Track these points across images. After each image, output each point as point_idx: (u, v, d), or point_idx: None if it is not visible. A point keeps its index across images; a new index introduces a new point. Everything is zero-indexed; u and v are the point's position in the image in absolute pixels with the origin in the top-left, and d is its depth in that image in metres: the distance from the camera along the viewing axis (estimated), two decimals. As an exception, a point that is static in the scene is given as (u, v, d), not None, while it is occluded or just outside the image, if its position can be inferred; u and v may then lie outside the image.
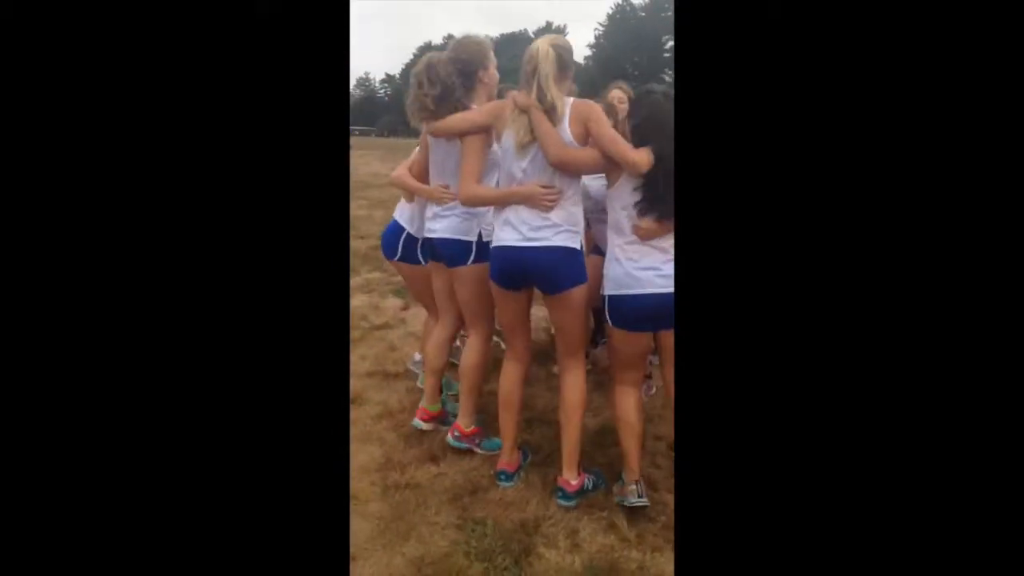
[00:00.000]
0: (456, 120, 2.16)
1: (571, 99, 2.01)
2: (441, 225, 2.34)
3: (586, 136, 1.98)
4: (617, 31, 49.44)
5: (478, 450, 2.45)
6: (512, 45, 57.32)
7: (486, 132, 2.15)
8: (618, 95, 3.22)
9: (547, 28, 60.32)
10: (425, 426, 2.56)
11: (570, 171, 2.03)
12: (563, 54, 2.00)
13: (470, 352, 2.42)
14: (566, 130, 1.98)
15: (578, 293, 2.08)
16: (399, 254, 2.71)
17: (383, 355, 3.45)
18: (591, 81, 34.73)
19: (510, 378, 2.28)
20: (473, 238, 2.30)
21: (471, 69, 2.22)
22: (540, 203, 2.02)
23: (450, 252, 2.33)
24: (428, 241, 2.42)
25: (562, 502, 2.13)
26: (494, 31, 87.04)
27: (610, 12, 50.79)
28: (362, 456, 2.41)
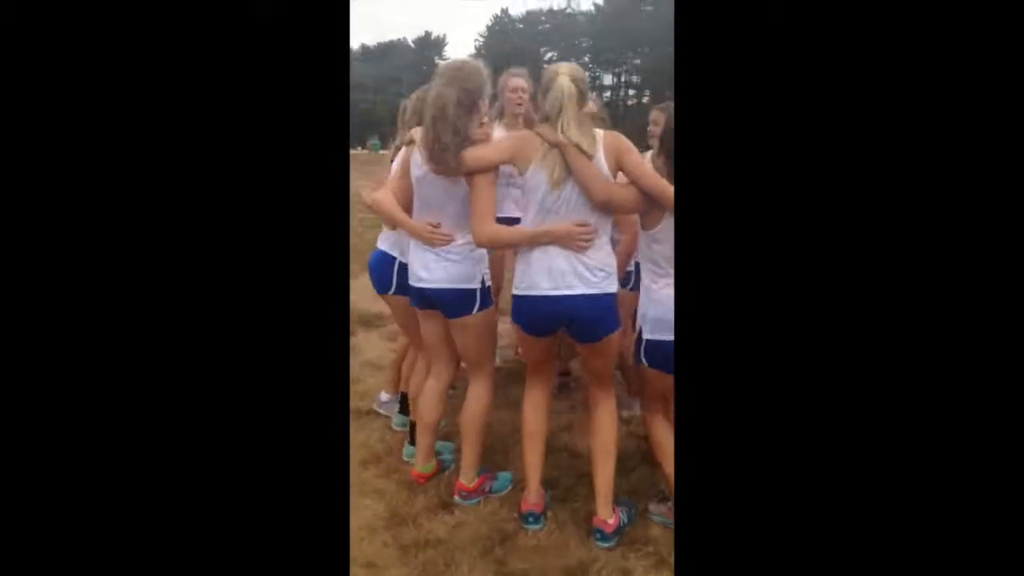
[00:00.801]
0: (470, 159, 1.88)
1: (599, 131, 1.86)
2: (436, 273, 2.05)
3: (617, 170, 1.85)
4: (496, 42, 50.19)
5: (492, 495, 2.22)
6: (393, 54, 56.59)
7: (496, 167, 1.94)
8: (658, 118, 2.86)
9: (426, 37, 60.06)
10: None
11: (614, 211, 1.90)
12: (582, 87, 1.85)
13: (474, 402, 2.18)
14: (603, 165, 1.82)
15: (615, 339, 1.95)
16: (393, 287, 2.35)
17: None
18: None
19: (536, 410, 2.09)
20: (477, 285, 2.06)
21: (473, 99, 1.94)
22: (576, 244, 1.84)
23: (450, 303, 2.06)
24: (416, 290, 2.12)
25: (602, 544, 1.95)
26: (369, 40, 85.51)
27: (489, 24, 51.51)
28: (364, 512, 2.12)
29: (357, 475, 2.35)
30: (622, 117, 45.48)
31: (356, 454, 2.50)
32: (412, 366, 2.59)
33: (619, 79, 50.37)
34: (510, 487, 2.26)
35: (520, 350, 2.14)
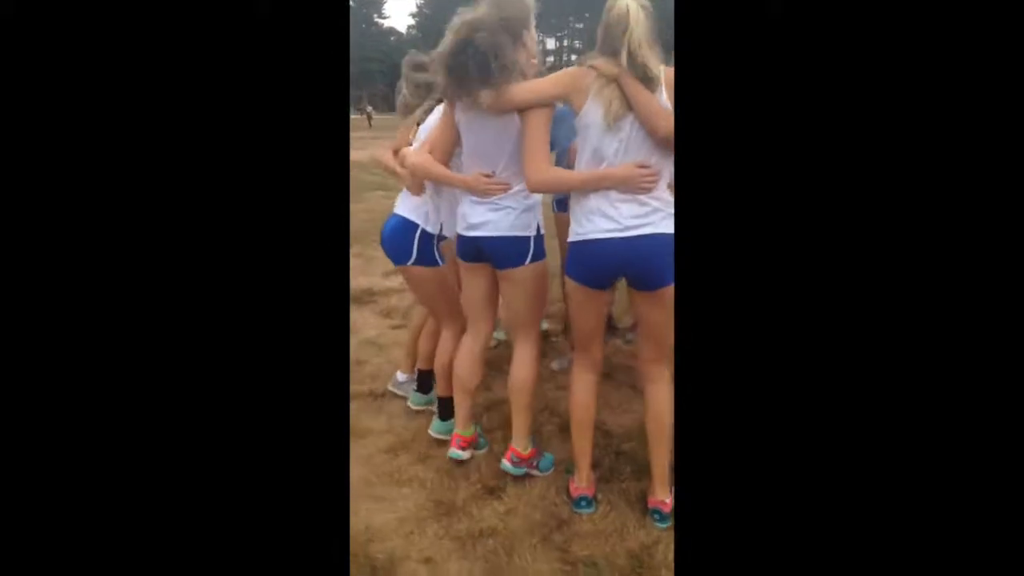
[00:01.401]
0: (521, 92, 1.77)
1: (663, 66, 1.74)
2: (490, 220, 1.95)
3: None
4: (437, 4, 48.76)
5: (536, 472, 2.15)
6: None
7: (551, 106, 1.82)
8: None
9: (363, -2, 57.70)
10: (464, 455, 2.20)
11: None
12: (649, 16, 1.73)
13: (524, 366, 2.09)
14: (665, 101, 1.70)
15: (671, 292, 1.83)
16: (414, 256, 2.22)
17: (353, 371, 2.96)
18: (418, 49, 33.76)
19: (586, 391, 2.00)
20: (532, 232, 1.97)
21: (518, 30, 1.81)
22: (639, 186, 1.73)
23: (504, 252, 1.97)
24: (469, 240, 2.02)
25: (661, 525, 1.91)
26: None
27: (430, -16, 49.95)
28: (405, 503, 2.01)
29: (388, 463, 2.24)
30: (566, 82, 45.50)
31: (381, 441, 2.38)
32: (432, 340, 2.48)
33: (562, 44, 50.02)
34: (552, 469, 2.19)
35: (577, 326, 2.02)
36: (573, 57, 49.05)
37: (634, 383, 2.83)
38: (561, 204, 2.80)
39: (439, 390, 2.38)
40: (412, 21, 49.33)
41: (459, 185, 2.02)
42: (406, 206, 2.27)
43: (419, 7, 49.56)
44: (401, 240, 2.24)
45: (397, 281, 4.36)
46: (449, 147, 2.05)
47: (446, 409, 2.35)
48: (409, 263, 2.23)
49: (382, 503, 2.02)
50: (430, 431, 2.38)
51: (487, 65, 1.74)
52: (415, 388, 2.63)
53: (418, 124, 2.30)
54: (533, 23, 1.90)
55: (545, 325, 3.40)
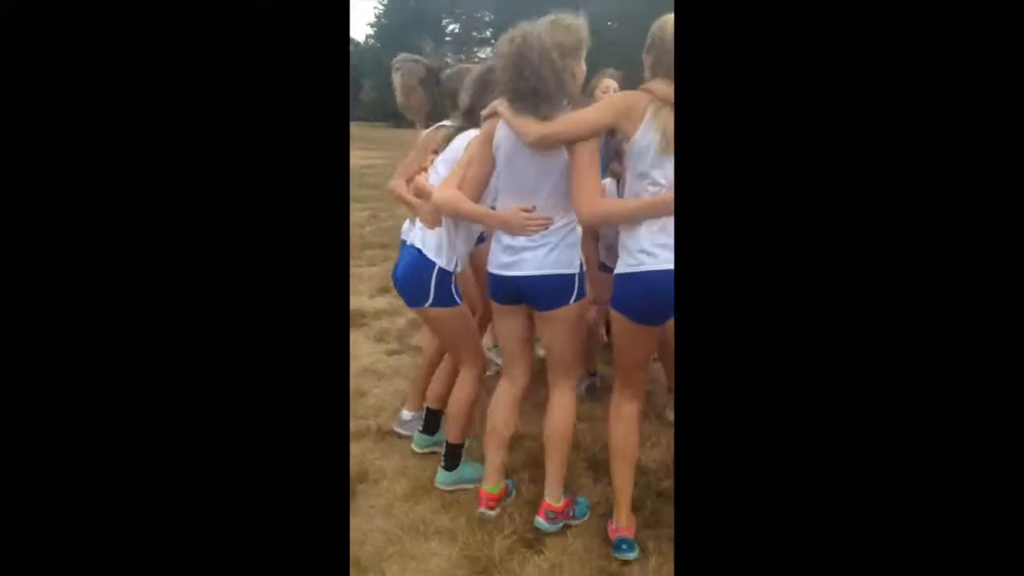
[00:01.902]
0: (573, 126, 1.63)
1: None
2: (529, 257, 1.78)
3: None
4: (397, 11, 48.28)
5: (573, 522, 1.97)
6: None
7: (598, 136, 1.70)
8: (609, 85, 2.85)
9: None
10: (494, 513, 2.00)
11: None
12: None
13: (561, 411, 1.92)
14: None
15: None
16: (431, 298, 2.00)
17: (355, 404, 2.73)
18: (377, 60, 33.39)
19: (629, 427, 1.85)
20: (575, 269, 1.81)
21: (573, 58, 1.68)
22: None
23: (546, 292, 1.79)
24: (506, 280, 1.83)
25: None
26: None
27: (389, -8, 49.45)
28: (436, 560, 1.81)
29: (409, 513, 2.03)
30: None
31: (398, 486, 2.17)
32: (447, 381, 2.29)
33: (468, 32, 49.99)
34: (588, 513, 2.02)
35: (626, 362, 1.86)
36: (474, 49, 48.92)
37: (659, 412, 2.69)
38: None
39: (450, 436, 2.16)
40: (371, 31, 48.78)
41: (495, 224, 1.85)
42: (420, 239, 2.06)
43: (378, 17, 49.05)
44: (417, 281, 2.02)
45: (385, 301, 4.14)
46: (483, 182, 1.88)
47: (453, 458, 2.16)
48: (427, 305, 2.02)
49: (410, 561, 1.81)
50: (437, 483, 2.17)
51: (547, 94, 1.63)
52: (420, 428, 2.41)
53: (436, 152, 2.10)
54: (584, 52, 1.75)
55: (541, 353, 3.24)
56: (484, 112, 1.87)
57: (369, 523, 1.97)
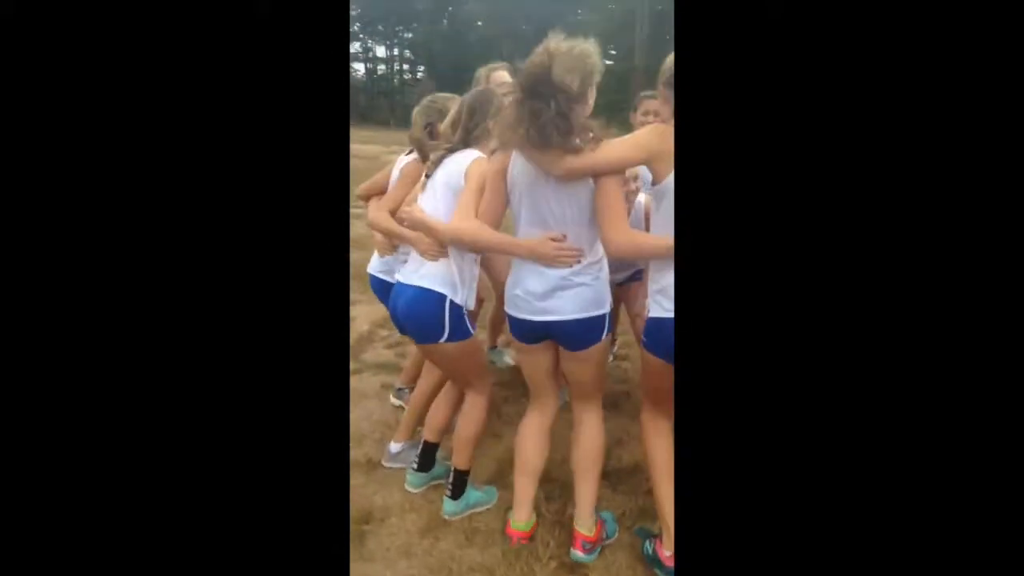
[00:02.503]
0: (601, 161, 1.55)
1: None
2: (564, 303, 1.68)
3: None
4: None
5: (608, 542, 1.91)
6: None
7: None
8: (649, 107, 2.67)
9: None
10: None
11: None
12: None
13: (590, 438, 1.87)
14: None
15: None
16: (447, 333, 1.86)
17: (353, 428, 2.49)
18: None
19: (667, 444, 1.82)
20: (608, 309, 1.74)
21: (587, 87, 1.58)
22: None
23: (579, 335, 1.72)
24: (536, 325, 1.73)
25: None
26: None
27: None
28: (482, 601, 1.68)
29: (433, 551, 1.88)
30: (398, 91, 44.57)
31: (409, 522, 2.00)
32: (446, 411, 2.15)
33: (391, 52, 49.09)
34: (618, 529, 1.97)
35: (654, 389, 1.82)
36: (405, 67, 48.30)
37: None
38: None
39: (459, 463, 2.03)
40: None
41: (522, 254, 1.73)
42: (417, 273, 1.90)
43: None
44: (427, 317, 1.85)
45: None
46: (500, 212, 1.77)
47: (460, 485, 2.04)
48: (442, 340, 1.87)
49: (453, 606, 1.67)
50: (444, 514, 2.03)
51: (566, 128, 1.53)
52: (414, 465, 2.21)
53: (427, 176, 1.95)
54: (598, 78, 1.64)
55: (510, 361, 3.16)
56: (493, 145, 1.78)
57: (391, 569, 1.79)
